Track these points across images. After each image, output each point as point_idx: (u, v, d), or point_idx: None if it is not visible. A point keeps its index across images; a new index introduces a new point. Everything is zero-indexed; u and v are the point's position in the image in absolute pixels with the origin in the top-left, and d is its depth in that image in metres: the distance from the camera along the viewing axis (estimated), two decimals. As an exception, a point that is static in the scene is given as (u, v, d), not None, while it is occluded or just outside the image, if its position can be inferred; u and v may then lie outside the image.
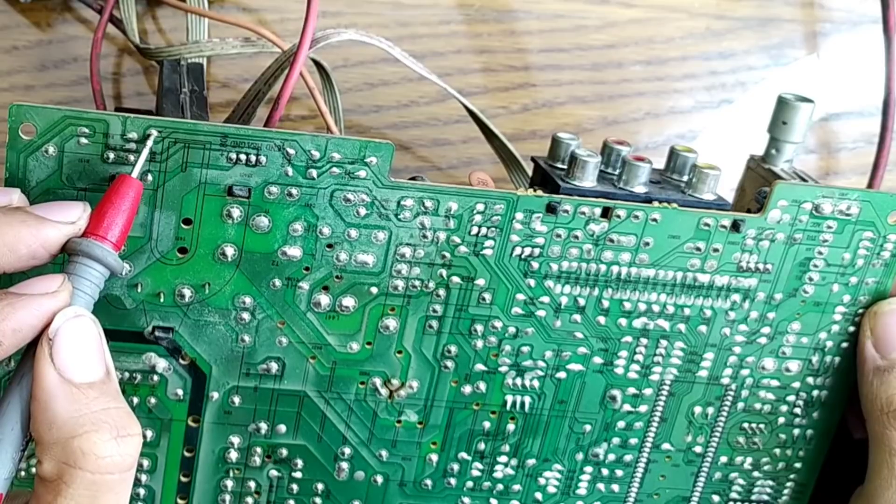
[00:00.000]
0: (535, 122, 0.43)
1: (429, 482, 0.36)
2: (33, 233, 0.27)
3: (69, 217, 0.28)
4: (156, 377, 0.33)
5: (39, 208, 0.28)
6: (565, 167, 0.34)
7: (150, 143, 0.29)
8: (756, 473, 0.38)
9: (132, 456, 0.26)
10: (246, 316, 0.32)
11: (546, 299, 0.34)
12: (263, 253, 0.32)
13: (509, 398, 0.35)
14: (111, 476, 0.26)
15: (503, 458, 0.36)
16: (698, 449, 0.37)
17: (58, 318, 0.27)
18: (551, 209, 0.32)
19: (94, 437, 0.26)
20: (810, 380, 0.36)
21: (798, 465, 0.38)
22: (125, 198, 0.28)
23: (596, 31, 0.43)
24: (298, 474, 0.35)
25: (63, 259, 0.28)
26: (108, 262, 0.28)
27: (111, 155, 0.30)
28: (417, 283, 0.33)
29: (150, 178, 0.30)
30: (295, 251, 0.32)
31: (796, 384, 0.36)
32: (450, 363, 0.34)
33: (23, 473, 0.33)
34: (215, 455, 0.34)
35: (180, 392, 0.33)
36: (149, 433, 0.34)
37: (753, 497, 0.38)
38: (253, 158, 0.30)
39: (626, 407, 0.36)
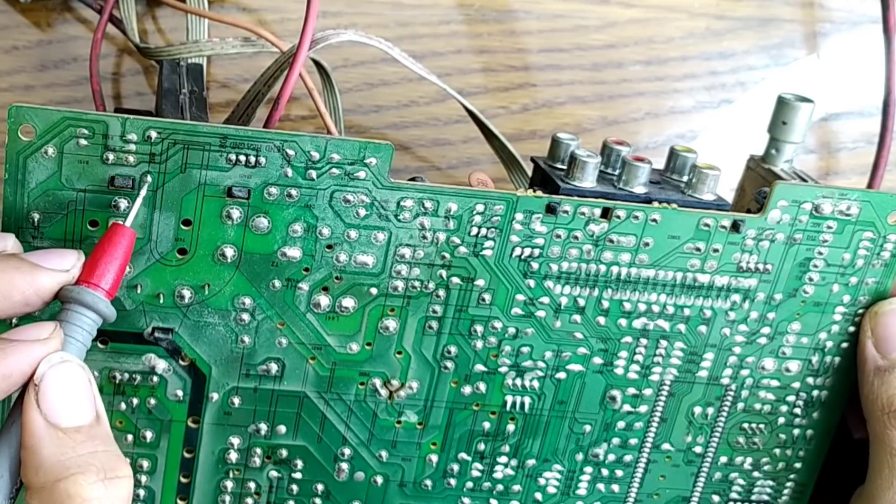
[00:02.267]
0: (535, 122, 0.43)
1: (429, 483, 0.36)
2: (27, 280, 0.27)
3: (63, 265, 0.28)
4: (155, 378, 0.33)
5: (34, 255, 0.28)
6: (565, 167, 0.34)
7: (143, 192, 0.30)
8: (756, 473, 0.38)
9: (122, 498, 0.26)
10: (245, 317, 0.32)
11: (546, 300, 0.34)
12: (263, 254, 0.32)
13: (509, 398, 0.35)
14: None
15: (503, 459, 0.36)
16: (698, 449, 0.37)
17: (43, 364, 0.27)
18: (551, 210, 0.32)
19: (81, 480, 0.25)
20: (810, 380, 0.36)
21: (798, 465, 0.38)
22: (118, 246, 0.29)
23: (596, 31, 0.43)
24: (298, 475, 0.35)
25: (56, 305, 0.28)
26: (99, 309, 0.28)
27: (110, 156, 0.30)
28: (417, 283, 0.33)
29: (149, 178, 0.30)
30: (294, 252, 0.32)
31: (796, 384, 0.36)
32: (449, 364, 0.34)
33: None
34: (215, 456, 0.34)
35: (180, 393, 0.33)
36: (148, 434, 0.34)
37: (753, 497, 0.38)
38: (252, 159, 0.30)
39: (626, 407, 0.36)
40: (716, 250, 0.34)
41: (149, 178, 0.30)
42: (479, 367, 0.34)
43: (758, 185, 0.37)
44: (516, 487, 0.37)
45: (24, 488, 0.27)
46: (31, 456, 0.26)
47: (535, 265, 0.33)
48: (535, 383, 0.35)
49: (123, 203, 0.30)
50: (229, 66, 0.41)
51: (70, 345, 0.28)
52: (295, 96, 0.41)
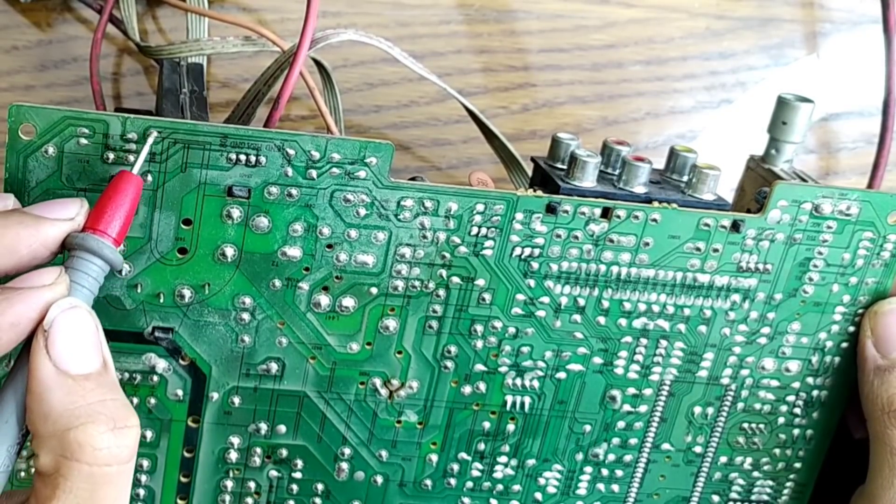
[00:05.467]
0: (535, 122, 0.43)
1: (429, 482, 0.36)
2: (32, 232, 0.27)
3: (67, 214, 0.28)
4: (155, 377, 0.33)
5: (36, 208, 0.28)
6: (565, 167, 0.34)
7: (150, 140, 0.29)
8: (756, 473, 0.38)
9: (130, 448, 0.26)
10: (246, 316, 0.32)
11: (546, 299, 0.34)
12: (263, 253, 0.32)
13: (509, 398, 0.35)
14: (109, 468, 0.26)
15: (503, 459, 0.36)
16: (698, 449, 0.37)
17: (52, 309, 0.26)
18: (551, 209, 0.32)
19: (91, 429, 0.25)
20: (810, 380, 0.36)
21: (798, 465, 0.38)
22: (125, 193, 0.28)
23: (596, 31, 0.43)
24: (298, 475, 0.35)
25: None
26: (104, 254, 0.28)
27: (111, 155, 0.30)
28: (417, 283, 0.33)
29: (149, 178, 0.30)
30: (295, 251, 0.32)
31: (796, 384, 0.36)
32: (450, 363, 0.34)
33: (22, 474, 0.33)
34: (215, 455, 0.34)
35: (180, 392, 0.33)
36: (148, 433, 0.34)
37: (753, 497, 0.38)
38: (253, 159, 0.30)
39: (626, 407, 0.36)
40: (716, 250, 0.34)
41: (154, 131, 0.30)
42: (479, 367, 0.34)
43: (758, 185, 0.37)
44: (516, 487, 0.37)
45: (31, 436, 0.26)
46: (38, 403, 0.26)
47: (535, 265, 0.33)
48: (535, 383, 0.35)
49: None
50: (229, 66, 0.41)
51: (76, 291, 0.27)
52: (295, 96, 0.41)
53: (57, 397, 0.26)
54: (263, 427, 0.34)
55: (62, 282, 0.27)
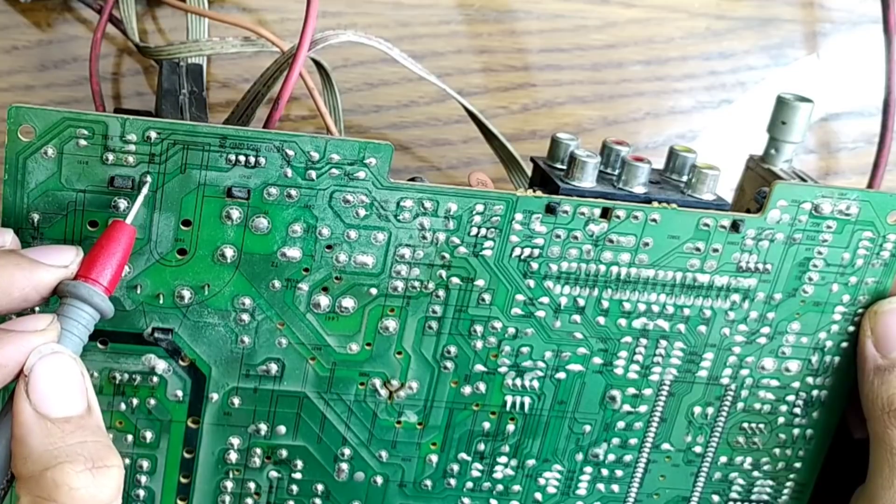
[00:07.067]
0: (535, 122, 0.43)
1: (429, 483, 0.36)
2: (27, 276, 0.28)
3: (62, 261, 0.28)
4: (155, 378, 0.33)
5: (33, 251, 0.28)
6: (565, 167, 0.34)
7: (144, 190, 0.30)
8: (756, 473, 0.38)
9: (111, 488, 0.26)
10: (245, 317, 0.32)
11: (545, 300, 0.34)
12: (263, 254, 0.32)
13: (509, 399, 0.35)
14: None
15: (503, 459, 0.36)
16: (698, 449, 0.37)
17: (33, 355, 0.27)
18: (551, 210, 0.32)
19: (68, 468, 0.25)
20: (810, 380, 0.36)
21: (798, 465, 0.38)
22: (118, 242, 0.29)
23: (596, 31, 0.43)
24: (298, 475, 0.35)
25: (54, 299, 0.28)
26: (95, 303, 0.28)
27: (110, 156, 0.30)
28: (417, 283, 0.33)
29: (149, 178, 0.30)
30: (294, 252, 0.32)
31: (796, 384, 0.36)
32: (449, 364, 0.34)
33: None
34: (215, 456, 0.34)
35: (180, 393, 0.33)
36: (148, 434, 0.34)
37: (753, 497, 0.38)
38: (252, 160, 0.30)
39: (626, 407, 0.36)
40: (715, 250, 0.34)
41: (149, 178, 0.30)
42: (479, 367, 0.34)
43: (757, 185, 0.37)
44: (516, 487, 0.37)
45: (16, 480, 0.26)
46: (20, 446, 0.26)
47: (534, 265, 0.33)
48: (535, 383, 0.35)
49: (123, 203, 0.30)
50: (229, 66, 0.41)
51: (66, 338, 0.28)
52: (295, 96, 0.41)
53: (36, 439, 0.26)
54: (263, 428, 0.34)
55: (53, 329, 0.27)
